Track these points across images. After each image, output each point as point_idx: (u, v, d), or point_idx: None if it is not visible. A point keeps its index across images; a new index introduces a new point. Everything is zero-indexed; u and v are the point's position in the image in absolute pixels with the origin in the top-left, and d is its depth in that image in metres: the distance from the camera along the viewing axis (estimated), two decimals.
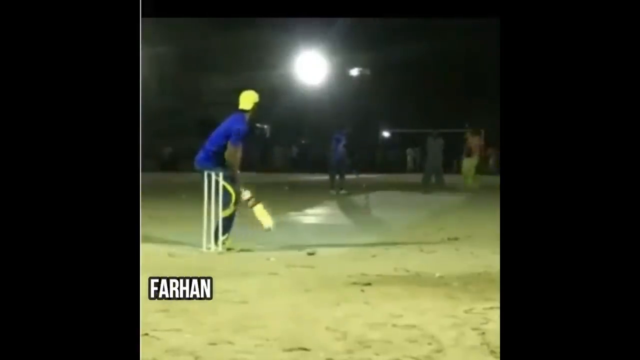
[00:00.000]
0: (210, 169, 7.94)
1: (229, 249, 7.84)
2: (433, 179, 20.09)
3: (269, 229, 8.03)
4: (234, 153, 8.03)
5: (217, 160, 8.03)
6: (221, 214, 7.85)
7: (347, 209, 14.78)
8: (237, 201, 7.95)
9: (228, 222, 7.93)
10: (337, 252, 8.00)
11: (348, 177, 18.82)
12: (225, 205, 7.88)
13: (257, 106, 8.22)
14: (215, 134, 8.23)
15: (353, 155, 18.81)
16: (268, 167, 35.85)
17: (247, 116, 8.16)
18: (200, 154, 8.17)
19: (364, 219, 12.79)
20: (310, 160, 37.17)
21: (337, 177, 18.37)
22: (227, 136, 8.08)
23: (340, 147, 18.32)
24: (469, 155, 20.86)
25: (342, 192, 18.02)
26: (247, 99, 8.24)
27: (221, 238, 7.86)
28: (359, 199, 17.10)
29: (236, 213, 8.00)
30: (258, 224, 8.06)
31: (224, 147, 8.05)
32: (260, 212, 8.05)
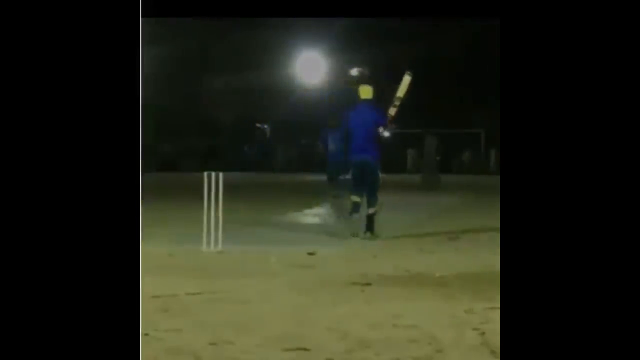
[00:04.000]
0: (373, 158, 9.24)
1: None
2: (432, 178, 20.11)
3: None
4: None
5: (376, 144, 9.29)
6: (372, 209, 9.21)
7: (347, 209, 14.76)
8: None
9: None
10: (337, 252, 8.01)
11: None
12: (376, 192, 9.29)
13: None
14: (361, 126, 9.27)
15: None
16: (268, 167, 35.81)
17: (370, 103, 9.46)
18: (360, 148, 9.27)
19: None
20: (310, 160, 37.15)
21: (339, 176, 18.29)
22: (375, 123, 9.30)
23: (331, 146, 18.24)
24: None
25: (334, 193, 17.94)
26: (368, 91, 9.53)
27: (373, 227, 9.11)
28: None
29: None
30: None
31: (375, 131, 9.28)
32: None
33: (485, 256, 7.36)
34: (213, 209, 7.86)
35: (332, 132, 18.52)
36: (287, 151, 40.73)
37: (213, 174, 7.90)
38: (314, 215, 13.19)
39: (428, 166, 20.11)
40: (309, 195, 17.39)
